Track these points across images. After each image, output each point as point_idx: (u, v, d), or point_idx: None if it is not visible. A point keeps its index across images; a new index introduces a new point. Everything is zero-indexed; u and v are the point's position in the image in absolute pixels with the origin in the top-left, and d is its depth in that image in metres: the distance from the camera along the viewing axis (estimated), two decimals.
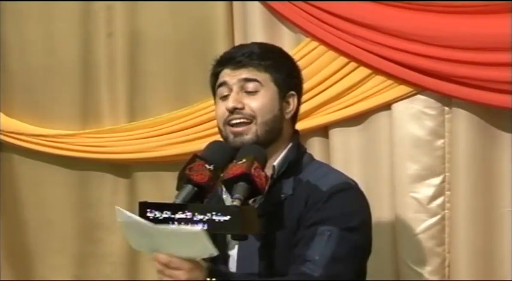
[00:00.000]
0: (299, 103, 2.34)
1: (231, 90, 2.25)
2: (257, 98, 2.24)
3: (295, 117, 2.33)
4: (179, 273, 1.99)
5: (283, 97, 2.27)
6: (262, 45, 2.37)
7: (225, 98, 2.26)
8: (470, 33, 2.83)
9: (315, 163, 2.33)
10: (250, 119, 2.22)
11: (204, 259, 2.04)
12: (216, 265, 2.21)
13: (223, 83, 2.27)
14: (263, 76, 2.25)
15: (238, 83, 2.25)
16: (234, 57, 2.27)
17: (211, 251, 1.95)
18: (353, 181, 2.27)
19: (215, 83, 2.31)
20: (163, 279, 2.01)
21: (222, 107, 2.25)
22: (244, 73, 2.25)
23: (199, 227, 1.95)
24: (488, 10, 2.82)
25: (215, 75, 2.31)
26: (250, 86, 2.24)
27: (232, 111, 2.23)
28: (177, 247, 1.98)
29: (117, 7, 3.31)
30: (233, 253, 2.24)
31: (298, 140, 2.33)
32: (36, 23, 3.41)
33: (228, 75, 2.27)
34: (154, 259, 2.01)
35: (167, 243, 1.98)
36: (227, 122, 2.24)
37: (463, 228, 2.91)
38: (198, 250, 1.97)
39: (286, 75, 2.29)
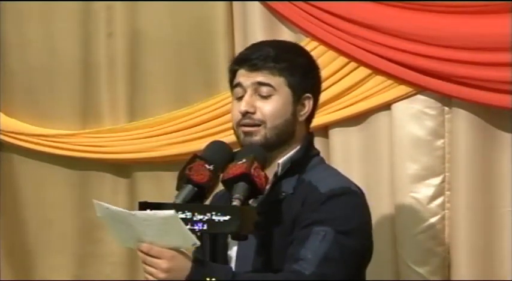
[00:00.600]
0: (315, 104, 2.30)
1: (245, 91, 2.24)
2: (270, 102, 2.22)
3: (310, 119, 2.31)
4: (160, 261, 1.99)
5: (297, 100, 2.25)
6: (278, 47, 2.31)
7: (240, 99, 2.25)
8: (470, 33, 2.83)
9: (322, 166, 2.31)
10: (260, 123, 2.22)
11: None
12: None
13: (239, 84, 2.26)
14: (277, 80, 2.23)
15: (252, 85, 2.23)
16: (250, 59, 2.25)
17: (192, 239, 1.95)
18: (356, 187, 2.25)
19: (233, 80, 2.30)
20: (146, 268, 2.02)
21: (236, 109, 2.25)
22: (258, 76, 2.23)
23: (172, 211, 1.93)
24: (488, 10, 2.82)
25: (232, 72, 2.30)
26: (264, 90, 2.22)
27: (244, 114, 2.22)
28: (157, 236, 1.97)
29: (117, 7, 3.31)
30: (232, 252, 2.24)
31: (309, 141, 2.31)
32: (36, 23, 3.42)
33: (243, 77, 2.25)
34: (137, 249, 2.01)
35: (148, 231, 1.97)
36: (239, 124, 2.24)
37: (463, 228, 2.91)
38: (178, 238, 1.96)
39: (302, 77, 2.26)
